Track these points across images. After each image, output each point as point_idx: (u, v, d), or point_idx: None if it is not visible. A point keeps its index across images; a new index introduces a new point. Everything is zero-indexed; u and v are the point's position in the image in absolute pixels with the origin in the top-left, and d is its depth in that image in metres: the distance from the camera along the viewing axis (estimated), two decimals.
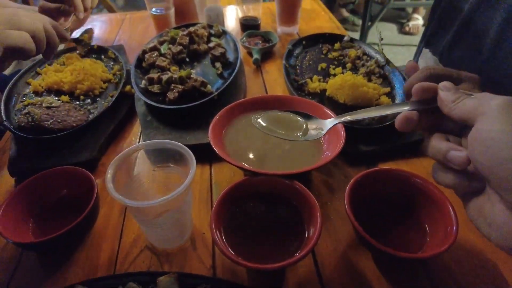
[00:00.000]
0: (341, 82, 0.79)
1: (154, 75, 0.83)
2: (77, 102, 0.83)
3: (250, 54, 1.05)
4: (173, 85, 0.80)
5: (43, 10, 0.85)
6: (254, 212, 0.56)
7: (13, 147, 0.73)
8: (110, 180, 0.47)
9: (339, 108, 0.79)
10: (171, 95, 0.78)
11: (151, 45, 0.92)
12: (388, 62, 0.89)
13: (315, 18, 1.18)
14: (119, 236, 0.60)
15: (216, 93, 0.79)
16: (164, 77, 0.81)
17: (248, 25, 1.16)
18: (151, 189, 0.57)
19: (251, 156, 0.65)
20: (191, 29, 0.99)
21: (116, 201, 0.64)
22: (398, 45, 3.08)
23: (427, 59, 0.59)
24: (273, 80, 0.96)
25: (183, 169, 0.54)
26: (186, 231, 0.57)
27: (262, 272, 0.54)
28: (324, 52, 0.99)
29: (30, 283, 0.54)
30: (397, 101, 0.79)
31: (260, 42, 1.08)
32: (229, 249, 0.47)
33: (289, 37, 1.15)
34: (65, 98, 0.82)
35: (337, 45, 1.00)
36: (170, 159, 0.54)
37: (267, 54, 1.06)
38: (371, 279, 0.53)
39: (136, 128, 0.81)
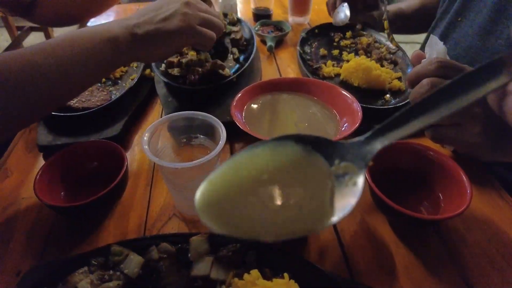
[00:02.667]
0: (355, 66, 0.82)
1: (173, 59, 0.86)
2: (99, 84, 0.86)
3: (263, 42, 1.08)
4: (193, 67, 0.83)
5: None
6: None
7: (41, 125, 0.76)
8: (146, 143, 0.50)
9: (353, 90, 0.82)
10: (191, 77, 0.81)
11: None
12: (399, 48, 0.92)
13: (325, 9, 1.20)
14: (147, 206, 0.62)
15: (235, 75, 0.82)
16: (184, 60, 0.84)
17: (260, 15, 1.19)
18: (179, 159, 0.59)
19: (270, 131, 0.68)
20: None
21: (142, 173, 0.68)
22: None
23: (435, 47, 0.62)
24: (286, 65, 0.99)
25: (212, 140, 0.57)
26: None
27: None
28: (336, 40, 1.02)
29: (64, 246, 0.57)
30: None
31: (273, 31, 1.11)
32: None
33: (300, 27, 1.18)
34: None
35: (348, 34, 1.03)
36: (199, 131, 0.57)
37: (279, 42, 1.09)
38: (388, 244, 0.56)
39: (157, 109, 0.84)
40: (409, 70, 0.86)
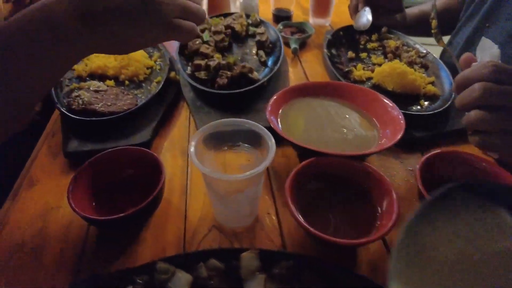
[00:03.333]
0: (389, 70, 0.80)
1: (200, 61, 0.83)
2: (122, 87, 0.83)
3: (286, 44, 1.05)
4: (221, 71, 0.80)
5: None
6: (323, 192, 0.57)
7: (65, 131, 0.72)
8: (194, 154, 0.47)
9: (387, 95, 0.79)
10: (220, 80, 0.78)
11: None
12: (447, 49, 0.88)
13: (346, 11, 1.18)
14: (184, 216, 0.60)
15: (265, 79, 0.79)
16: (212, 64, 0.81)
17: (281, 16, 1.17)
18: (221, 168, 0.57)
19: (306, 138, 0.66)
20: (232, 17, 0.99)
21: (176, 180, 0.65)
22: None
23: (488, 50, 0.59)
24: (312, 68, 0.96)
25: (256, 149, 0.54)
26: (255, 211, 0.57)
27: (334, 249, 0.54)
28: (362, 42, 1.00)
29: (100, 260, 0.54)
30: (445, 90, 0.79)
31: (295, 32, 1.08)
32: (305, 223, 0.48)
33: (322, 29, 1.15)
34: (110, 82, 0.82)
35: (374, 36, 1.01)
36: (243, 138, 0.55)
37: (302, 44, 1.06)
38: None
39: (184, 113, 0.81)
40: (443, 74, 0.84)
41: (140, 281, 0.46)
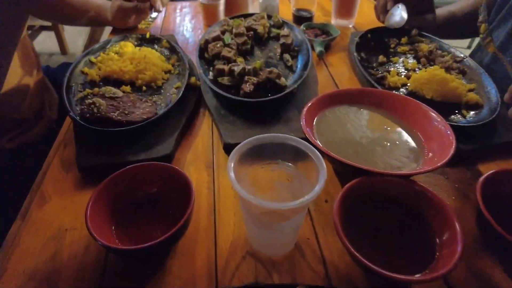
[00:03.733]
0: (428, 77, 0.74)
1: (223, 66, 0.77)
2: (139, 94, 0.77)
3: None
4: (246, 77, 0.74)
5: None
6: (372, 216, 0.51)
7: (79, 141, 0.66)
8: (235, 181, 0.41)
9: (425, 103, 0.73)
10: (246, 87, 0.72)
11: (214, 34, 0.86)
12: (498, 55, 0.81)
13: (370, 12, 1.12)
14: (213, 240, 0.54)
15: (295, 85, 0.73)
16: (237, 69, 0.75)
17: (302, 17, 1.11)
18: (258, 188, 0.51)
19: (345, 152, 0.60)
20: (252, 18, 0.93)
21: (202, 198, 0.59)
22: None
23: None
24: (341, 73, 0.90)
25: (297, 166, 0.48)
26: (296, 237, 0.51)
27: (387, 282, 0.48)
28: (392, 46, 0.93)
29: None
30: (491, 99, 0.73)
31: (318, 34, 1.02)
32: (359, 255, 0.42)
33: (345, 30, 1.09)
34: (126, 88, 0.76)
35: (404, 39, 0.95)
36: (282, 155, 0.49)
37: (326, 47, 1.00)
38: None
39: (206, 121, 0.75)
40: (485, 80, 0.77)
41: None
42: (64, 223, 0.56)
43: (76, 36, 2.98)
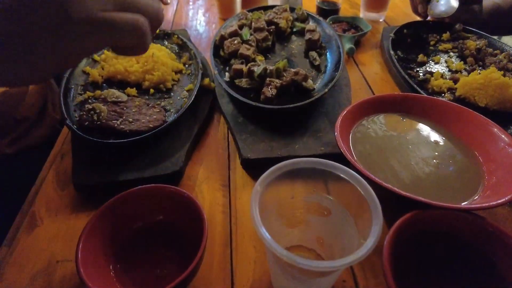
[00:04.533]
0: (483, 81, 0.63)
1: (241, 66, 0.67)
2: (146, 97, 0.68)
3: None
4: (268, 79, 0.64)
5: None
6: (427, 259, 0.41)
7: (76, 154, 0.58)
8: (260, 223, 0.31)
9: (477, 112, 0.63)
10: (268, 92, 0.62)
11: (230, 29, 0.76)
12: None
13: (402, 5, 1.01)
14: (230, 279, 0.45)
15: (326, 90, 0.63)
16: (257, 70, 0.65)
17: (327, 9, 1.00)
18: (287, 220, 0.41)
19: (388, 173, 0.50)
20: (273, 11, 0.83)
21: (216, 226, 0.50)
22: None
23: None
24: (374, 74, 0.79)
25: (336, 199, 0.38)
26: (332, 284, 0.42)
27: None
28: (432, 43, 0.82)
29: None
30: None
31: (346, 29, 0.91)
32: None
33: (375, 25, 0.98)
34: (132, 91, 0.67)
35: (446, 36, 0.83)
36: (318, 184, 0.39)
37: (355, 43, 0.89)
38: None
39: (221, 130, 0.66)
40: None
41: None
42: (55, 253, 0.48)
43: None
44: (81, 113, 0.61)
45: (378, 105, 0.58)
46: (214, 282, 0.44)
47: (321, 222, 0.40)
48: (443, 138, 0.55)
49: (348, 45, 0.83)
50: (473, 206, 0.42)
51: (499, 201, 0.42)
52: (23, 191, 0.58)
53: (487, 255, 0.40)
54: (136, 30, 0.33)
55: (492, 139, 0.51)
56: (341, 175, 0.36)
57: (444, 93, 0.68)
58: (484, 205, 0.41)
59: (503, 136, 0.50)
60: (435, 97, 0.59)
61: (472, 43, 0.78)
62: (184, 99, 0.66)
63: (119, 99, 0.64)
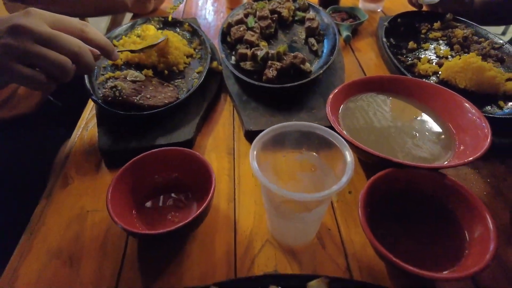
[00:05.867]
0: (463, 65, 0.69)
1: (246, 50, 0.75)
2: (161, 78, 0.76)
3: None
4: (270, 62, 0.72)
5: None
6: (399, 210, 0.49)
7: (101, 125, 0.67)
8: (258, 170, 0.39)
9: (458, 93, 0.70)
10: (269, 73, 0.70)
11: (237, 17, 0.84)
12: None
13: None
14: (233, 226, 0.53)
15: (321, 71, 0.70)
16: (260, 53, 0.73)
17: (327, 0, 1.06)
18: (280, 177, 0.49)
19: (372, 142, 0.57)
20: (276, 1, 0.90)
21: (222, 186, 0.58)
22: None
23: None
24: (368, 59, 0.87)
25: (321, 157, 0.46)
26: (318, 228, 0.50)
27: (411, 279, 0.46)
28: (423, 31, 0.89)
29: (142, 274, 0.48)
30: None
31: (345, 18, 0.98)
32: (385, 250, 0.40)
33: (373, 15, 1.05)
34: (149, 72, 0.76)
35: (437, 25, 0.90)
36: (307, 144, 0.47)
37: (353, 32, 0.96)
38: None
39: (228, 107, 0.74)
40: None
41: None
42: (86, 205, 0.57)
43: (98, 19, 2.99)
44: (105, 90, 0.69)
45: (367, 85, 0.65)
46: (220, 229, 0.53)
47: (309, 177, 0.48)
48: (423, 114, 0.62)
49: (345, 33, 0.90)
50: (435, 165, 0.50)
51: (459, 162, 0.50)
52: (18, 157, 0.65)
53: (447, 206, 0.48)
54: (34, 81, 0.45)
55: (463, 112, 0.58)
56: (322, 134, 0.44)
57: (430, 77, 0.75)
58: (443, 165, 0.49)
59: (471, 108, 0.57)
60: (417, 79, 0.66)
61: (460, 32, 0.84)
62: (194, 79, 0.74)
63: (138, 79, 0.72)
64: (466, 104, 0.58)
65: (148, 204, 0.54)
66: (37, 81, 0.45)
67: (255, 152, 0.41)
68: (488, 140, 0.52)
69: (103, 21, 3.03)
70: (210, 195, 0.47)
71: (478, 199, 0.44)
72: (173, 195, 0.55)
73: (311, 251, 0.49)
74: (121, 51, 0.73)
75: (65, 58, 0.45)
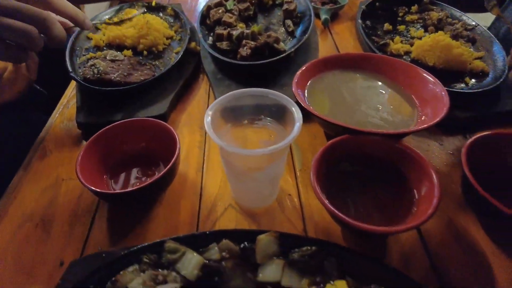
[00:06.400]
0: (431, 43, 0.71)
1: (223, 31, 0.77)
2: (140, 58, 0.78)
3: (316, 15, 0.97)
4: (244, 41, 0.74)
5: None
6: (354, 174, 0.51)
7: (80, 101, 0.69)
8: (210, 125, 0.42)
9: (428, 71, 0.71)
10: (243, 51, 0.72)
11: (216, 0, 0.86)
12: (501, 18, 0.77)
13: None
14: (199, 193, 0.55)
15: (292, 50, 0.72)
16: (235, 33, 0.75)
17: None
18: (241, 144, 0.51)
19: (336, 114, 0.59)
20: None
21: (192, 157, 0.60)
22: None
23: None
24: (345, 41, 0.89)
25: (280, 124, 0.49)
26: (276, 191, 0.52)
27: (362, 236, 0.49)
28: (401, 14, 0.90)
29: (109, 235, 0.51)
30: (497, 67, 0.70)
31: (326, 2, 1.00)
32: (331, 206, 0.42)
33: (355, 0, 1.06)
34: (128, 52, 0.78)
35: (414, 8, 0.91)
36: (265, 112, 0.49)
37: (334, 16, 0.98)
38: (485, 252, 0.47)
39: (204, 86, 0.76)
40: (495, 48, 0.74)
41: (147, 260, 0.42)
42: (61, 174, 0.59)
43: (95, 5, 3.01)
44: (84, 68, 0.72)
45: (334, 63, 0.67)
46: (186, 195, 0.55)
47: (269, 144, 0.50)
48: (389, 89, 0.64)
49: (324, 16, 0.92)
50: (391, 132, 0.52)
51: (411, 129, 0.51)
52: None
53: (401, 170, 0.49)
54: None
55: (425, 84, 0.60)
56: (274, 97, 0.46)
57: (402, 56, 0.76)
58: (397, 131, 0.51)
59: (432, 80, 0.59)
60: (383, 55, 0.68)
61: (435, 14, 0.86)
62: (173, 59, 0.77)
63: (117, 58, 0.75)
64: (427, 76, 0.60)
65: (119, 172, 0.56)
66: (7, 51, 0.47)
67: (210, 112, 0.43)
68: (446, 108, 0.54)
69: (103, 6, 3.06)
70: (175, 157, 0.50)
71: (425, 158, 0.46)
72: (142, 164, 0.57)
73: (271, 214, 0.52)
74: (99, 23, 0.76)
75: (30, 27, 0.48)
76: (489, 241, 0.48)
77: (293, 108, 0.44)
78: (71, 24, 0.56)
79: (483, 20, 0.94)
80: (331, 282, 0.39)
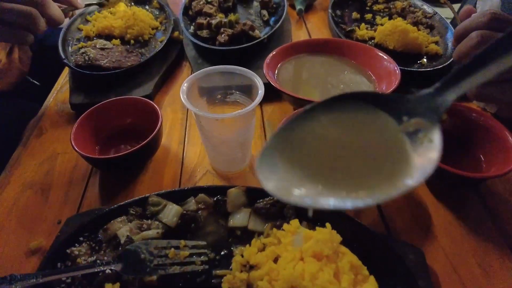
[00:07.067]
0: (391, 28, 0.79)
1: (203, 20, 0.84)
2: (128, 46, 0.85)
3: (292, 6, 1.05)
4: (222, 29, 0.81)
5: None
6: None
7: (72, 85, 0.76)
8: (184, 92, 0.49)
9: (388, 54, 0.79)
10: (221, 38, 0.79)
11: None
12: (447, 4, 0.86)
13: None
14: (181, 162, 0.63)
15: (265, 36, 0.80)
16: (214, 22, 0.82)
17: None
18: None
19: (304, 92, 0.67)
20: None
21: (175, 132, 0.67)
22: None
23: (488, 1, 0.58)
24: (317, 30, 0.96)
25: (248, 97, 0.56)
26: (247, 156, 0.59)
27: None
28: (369, 4, 0.98)
29: (100, 198, 0.57)
30: (448, 49, 0.78)
31: None
32: None
33: None
34: (116, 41, 0.85)
35: None
36: (235, 87, 0.56)
37: (309, 7, 1.05)
38: (426, 204, 0.54)
39: (186, 71, 0.84)
40: (448, 33, 0.82)
41: (133, 212, 0.49)
42: (57, 149, 0.66)
43: None
44: (76, 56, 0.78)
45: (303, 47, 0.75)
46: (169, 164, 0.62)
47: None
48: (351, 68, 0.72)
49: (298, 7, 0.99)
50: None
51: None
52: None
53: None
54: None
55: (380, 61, 0.67)
56: (240, 73, 0.53)
57: (367, 41, 0.84)
58: None
59: (385, 57, 0.66)
60: (344, 39, 0.75)
61: (399, 4, 0.94)
62: (157, 47, 0.84)
63: (106, 46, 0.82)
64: (381, 54, 0.68)
65: (109, 145, 0.63)
66: (12, 32, 0.53)
67: (186, 84, 0.51)
68: (398, 79, 0.61)
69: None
70: (158, 126, 0.57)
71: None
72: (130, 138, 0.64)
73: (243, 177, 0.59)
74: (90, 5, 0.83)
75: (30, 7, 0.54)
76: (430, 194, 0.56)
77: (256, 79, 0.52)
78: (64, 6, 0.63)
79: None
80: (289, 222, 0.47)
